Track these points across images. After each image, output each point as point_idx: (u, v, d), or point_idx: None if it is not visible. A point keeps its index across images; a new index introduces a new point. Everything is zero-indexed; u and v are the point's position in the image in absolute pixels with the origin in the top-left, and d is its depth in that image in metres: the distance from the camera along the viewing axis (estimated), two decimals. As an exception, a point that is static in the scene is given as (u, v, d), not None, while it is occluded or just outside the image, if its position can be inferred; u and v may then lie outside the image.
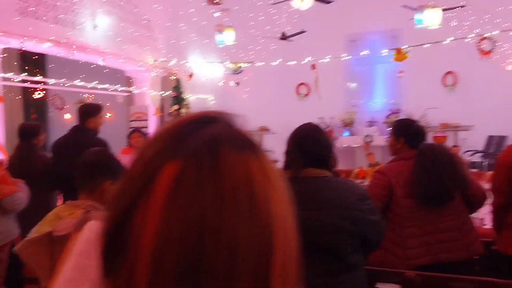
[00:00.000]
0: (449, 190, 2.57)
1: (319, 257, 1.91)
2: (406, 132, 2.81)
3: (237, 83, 9.69)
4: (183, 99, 9.47)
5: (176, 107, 9.35)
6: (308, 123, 2.17)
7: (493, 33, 6.70)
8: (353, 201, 1.94)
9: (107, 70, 8.26)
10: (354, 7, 10.04)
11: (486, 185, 3.10)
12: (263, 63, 9.29)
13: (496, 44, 6.84)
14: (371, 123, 10.61)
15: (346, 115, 10.72)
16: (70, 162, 3.46)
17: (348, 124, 10.64)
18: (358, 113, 10.77)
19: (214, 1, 6.82)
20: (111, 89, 8.44)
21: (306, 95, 11.19)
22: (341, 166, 10.64)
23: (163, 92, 9.51)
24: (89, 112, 4.00)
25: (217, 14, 8.20)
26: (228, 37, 8.24)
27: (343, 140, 10.35)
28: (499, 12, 6.34)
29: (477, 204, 2.74)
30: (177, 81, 9.43)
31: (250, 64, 9.30)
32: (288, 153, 2.07)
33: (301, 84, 11.19)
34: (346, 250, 1.92)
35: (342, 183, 2.07)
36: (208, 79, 9.87)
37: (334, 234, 1.91)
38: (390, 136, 2.89)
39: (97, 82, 8.05)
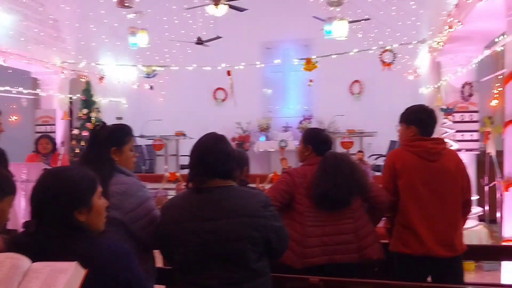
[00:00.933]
0: (344, 196, 2.73)
1: (224, 266, 1.95)
2: (314, 140, 2.97)
3: (151, 87, 9.49)
4: (93, 103, 9.09)
5: (85, 111, 8.95)
6: (210, 134, 2.16)
7: (394, 45, 7.22)
8: (257, 208, 1.99)
9: (11, 71, 7.70)
10: (269, 16, 10.30)
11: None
12: (177, 67, 9.19)
13: (397, 56, 7.36)
14: (286, 128, 10.93)
15: (262, 120, 10.95)
16: None
17: (264, 129, 10.87)
18: (274, 118, 11.04)
19: (125, 4, 6.63)
20: (15, 91, 7.87)
21: (223, 100, 11.26)
22: (258, 170, 10.87)
23: (71, 95, 9.06)
24: None
25: (130, 16, 7.99)
26: (141, 39, 8.07)
27: (260, 145, 10.56)
28: (399, 26, 6.84)
29: (381, 205, 2.89)
30: (87, 83, 9.04)
31: (164, 68, 9.15)
32: (192, 165, 2.08)
33: (218, 89, 11.23)
34: (251, 257, 1.96)
35: (245, 191, 2.11)
36: (121, 82, 9.56)
37: (238, 242, 1.94)
38: (300, 144, 3.05)
39: (-3, 84, 7.48)
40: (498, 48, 4.49)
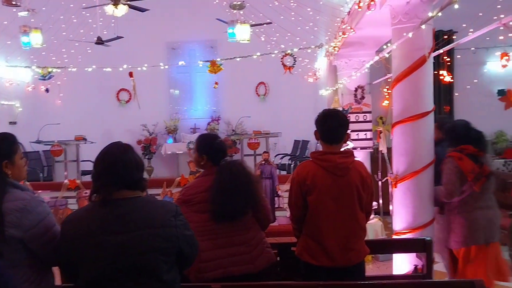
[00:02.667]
0: (242, 208, 2.76)
1: (135, 280, 1.90)
2: (208, 150, 2.92)
3: (47, 90, 8.92)
4: (-18, 107, 8.35)
5: (-28, 116, 8.20)
6: (117, 143, 2.09)
7: (294, 49, 7.51)
8: (167, 218, 1.95)
9: None
10: (174, 16, 10.18)
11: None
12: (75, 69, 8.73)
13: (297, 59, 7.66)
14: (194, 130, 10.88)
15: (169, 122, 10.78)
16: None
17: (171, 131, 10.72)
18: (182, 120, 10.94)
19: (12, 2, 6.15)
20: None
21: (127, 101, 10.92)
22: (165, 174, 10.72)
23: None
24: None
25: (22, 14, 7.43)
26: (35, 39, 7.54)
27: (167, 147, 10.39)
28: (298, 31, 7.12)
29: (263, 223, 2.95)
30: (-26, 86, 8.28)
31: (61, 69, 8.65)
32: (96, 176, 2.00)
33: (122, 90, 10.87)
34: (163, 268, 1.92)
35: (154, 202, 2.06)
36: (13, 84, 8.87)
37: (149, 254, 1.89)
38: (194, 152, 2.99)
39: None
40: (385, 54, 4.86)
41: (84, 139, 8.29)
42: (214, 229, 2.75)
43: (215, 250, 2.72)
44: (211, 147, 2.92)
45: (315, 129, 2.95)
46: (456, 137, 3.88)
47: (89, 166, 9.29)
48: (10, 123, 9.18)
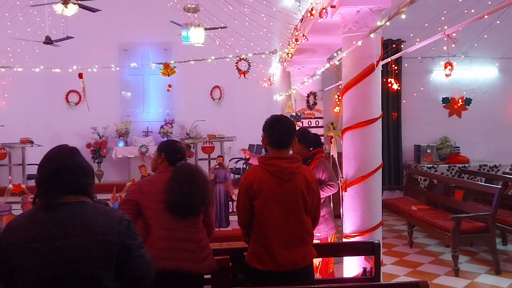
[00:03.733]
0: (197, 205, 2.86)
1: (76, 287, 1.82)
2: (167, 149, 3.07)
3: (-9, 91, 8.53)
4: None
5: None
6: (63, 146, 2.02)
7: (248, 54, 7.55)
8: (109, 224, 1.89)
9: None
10: (127, 17, 10.00)
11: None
12: (21, 69, 8.39)
13: (252, 64, 7.71)
14: (146, 133, 10.68)
15: (120, 125, 10.53)
16: None
17: (122, 134, 10.46)
18: (133, 123, 10.71)
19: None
20: None
21: (77, 103, 10.56)
22: (116, 178, 10.47)
23: None
24: None
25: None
26: (-22, 37, 7.19)
27: (118, 151, 10.12)
28: (253, 36, 7.17)
29: (209, 229, 3.05)
30: None
31: (6, 69, 8.28)
32: (41, 181, 1.92)
33: (71, 91, 10.52)
34: (104, 276, 1.85)
35: (99, 207, 1.98)
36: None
37: (88, 261, 1.82)
38: (155, 153, 3.12)
39: None
40: (336, 62, 4.98)
41: (31, 142, 7.97)
42: (170, 220, 2.81)
43: (170, 241, 2.79)
44: (171, 147, 3.09)
45: (263, 134, 2.98)
46: (313, 141, 4.45)
47: (36, 170, 8.97)
48: None
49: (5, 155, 7.87)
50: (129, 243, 1.93)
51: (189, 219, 2.86)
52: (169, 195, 2.80)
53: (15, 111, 9.50)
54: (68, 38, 7.79)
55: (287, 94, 7.62)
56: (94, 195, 2.11)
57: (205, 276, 3.06)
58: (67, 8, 6.32)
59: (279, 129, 2.89)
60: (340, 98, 5.13)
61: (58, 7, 6.28)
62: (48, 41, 7.83)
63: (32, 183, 8.10)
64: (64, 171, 1.90)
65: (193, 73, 9.10)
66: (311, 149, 4.44)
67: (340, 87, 5.52)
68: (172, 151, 3.06)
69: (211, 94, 10.81)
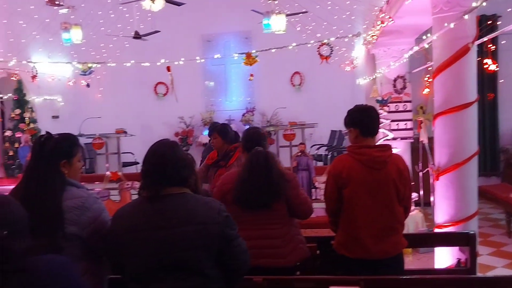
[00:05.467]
0: (265, 199, 2.80)
1: (178, 275, 1.92)
2: (242, 139, 3.09)
3: (88, 85, 9.15)
4: (26, 102, 8.66)
5: (18, 111, 8.52)
6: (164, 140, 2.13)
7: (331, 39, 7.39)
8: (210, 215, 1.96)
9: None
10: (208, 8, 10.22)
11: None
12: (115, 64, 8.91)
13: (334, 48, 7.54)
14: (229, 121, 10.92)
15: (205, 114, 10.88)
16: None
17: (207, 123, 10.79)
18: (217, 111, 11.01)
19: (56, 2, 6.32)
20: None
21: (165, 94, 11.07)
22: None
23: (2, 95, 8.58)
24: None
25: (62, 11, 7.63)
26: (75, 35, 7.73)
27: (203, 139, 10.47)
28: (335, 20, 7.00)
29: (302, 214, 2.99)
30: (19, 82, 8.59)
31: (100, 64, 8.85)
32: (145, 173, 2.03)
33: (159, 83, 11.03)
34: (205, 264, 1.94)
35: (199, 199, 2.06)
36: (55, 79, 9.16)
37: (191, 250, 1.91)
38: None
39: None
40: (425, 44, 4.72)
41: (125, 132, 8.47)
42: (248, 220, 2.79)
43: (248, 241, 2.76)
44: (245, 137, 3.09)
45: (346, 127, 2.96)
46: (233, 136, 4.39)
47: (130, 158, 9.56)
48: (53, 117, 9.50)
49: (103, 145, 8.43)
50: (228, 233, 2.01)
51: (266, 215, 2.82)
52: (235, 191, 2.80)
53: (110, 104, 10.14)
54: (155, 32, 8.14)
55: (372, 77, 7.38)
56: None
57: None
58: (154, 3, 6.59)
59: (370, 117, 2.90)
60: (430, 80, 4.87)
61: (146, 3, 6.57)
62: (137, 35, 8.23)
63: (126, 170, 8.66)
64: (167, 164, 2.00)
65: (273, 60, 9.10)
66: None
67: (429, 68, 5.25)
68: (245, 140, 3.05)
69: (291, 81, 10.77)
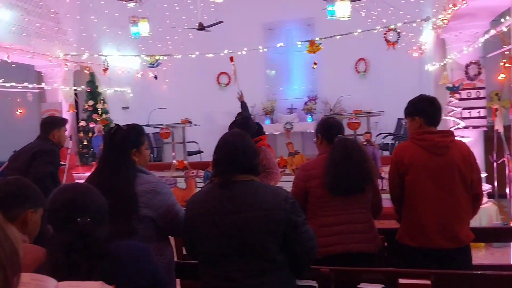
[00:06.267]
0: (357, 183, 2.76)
1: (246, 258, 2.00)
2: (321, 128, 3.04)
3: (155, 77, 9.46)
4: (98, 94, 9.11)
5: (91, 102, 8.99)
6: (235, 131, 2.24)
7: (398, 24, 7.12)
8: (277, 202, 2.02)
9: (15, 65, 7.73)
10: (270, -4, 10.19)
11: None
12: (180, 56, 9.14)
13: (401, 34, 7.26)
14: (291, 110, 10.89)
15: (266, 103, 10.90)
16: (15, 168, 3.26)
17: (268, 112, 10.84)
18: (278, 100, 10.99)
19: (126, -4, 6.58)
20: (20, 86, 7.91)
21: (227, 84, 11.21)
22: (264, 154, 10.91)
23: (76, 87, 9.08)
24: (55, 123, 3.78)
25: (130, 5, 7.91)
26: (143, 28, 8.00)
27: (265, 128, 10.47)
28: (402, 5, 6.74)
29: (376, 208, 2.93)
30: (91, 75, 9.04)
31: (168, 57, 9.12)
32: (217, 162, 2.14)
33: (222, 73, 11.19)
34: (272, 249, 2.00)
35: (267, 186, 2.19)
36: (125, 71, 9.55)
37: (259, 235, 1.99)
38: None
39: (2, 80, 7.51)
40: (504, 28, 4.42)
41: (190, 122, 8.70)
42: (336, 205, 2.79)
43: (337, 226, 2.76)
44: (323, 125, 3.04)
45: (409, 116, 2.92)
46: (255, 130, 4.32)
47: (194, 147, 9.81)
48: (123, 108, 9.95)
49: (169, 134, 8.72)
50: (295, 220, 2.05)
51: (355, 200, 2.79)
52: (327, 178, 2.77)
53: (175, 94, 10.44)
54: (218, 23, 8.25)
55: (441, 63, 7.04)
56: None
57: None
58: (217, -6, 6.68)
59: (435, 107, 2.88)
60: (508, 65, 4.57)
61: (210, -5, 6.67)
62: (201, 27, 8.39)
63: (191, 159, 8.90)
64: (238, 153, 2.09)
65: (336, 47, 8.92)
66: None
67: (507, 53, 4.93)
68: (325, 129, 3.01)
69: (355, 67, 10.53)
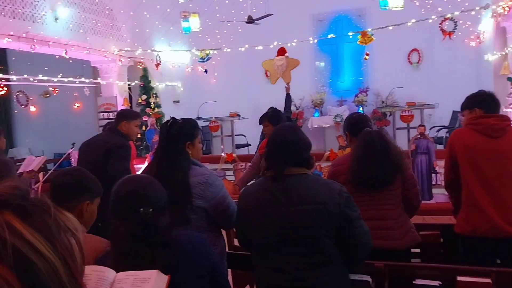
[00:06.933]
0: (381, 175, 2.69)
1: (300, 251, 1.99)
2: (347, 125, 3.06)
3: (206, 71, 9.59)
4: (151, 88, 9.35)
5: (144, 96, 9.24)
6: (287, 124, 2.26)
7: (455, 13, 6.82)
8: (331, 195, 2.00)
9: (72, 61, 8.08)
10: (320, -13, 10.05)
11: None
12: (230, 50, 9.20)
13: (458, 23, 6.96)
14: (340, 102, 10.71)
15: (315, 96, 10.77)
16: (89, 162, 3.40)
17: (317, 105, 10.70)
18: (327, 92, 10.83)
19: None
20: (78, 81, 8.27)
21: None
22: (313, 147, 10.80)
23: (130, 82, 9.37)
24: (124, 115, 3.86)
25: (181, 0, 8.06)
26: (193, 23, 8.14)
27: (314, 121, 10.37)
28: (459, -8, 6.46)
29: (411, 204, 2.86)
30: (144, 70, 9.30)
31: (217, 51, 9.21)
32: (270, 155, 2.14)
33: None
34: (325, 243, 1.98)
35: (319, 179, 2.18)
36: (175, 66, 9.75)
37: (312, 228, 1.97)
38: (340, 138, 3.12)
39: (61, 75, 7.87)
40: None
41: (238, 115, 8.77)
42: (363, 200, 2.71)
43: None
44: (348, 122, 3.05)
45: (468, 108, 2.87)
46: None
47: (242, 140, 9.88)
48: (174, 102, 10.17)
49: (218, 128, 8.83)
50: (349, 214, 2.02)
51: (383, 195, 2.74)
52: (351, 170, 2.75)
53: (224, 88, 10.54)
54: (268, 15, 8.23)
55: (502, 53, 6.69)
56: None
57: (413, 250, 2.97)
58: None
59: (495, 101, 2.85)
60: None
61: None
62: (250, 20, 8.41)
63: (239, 152, 8.97)
64: (290, 145, 2.07)
65: (388, 37, 8.68)
66: None
67: None
68: (350, 125, 3.00)
69: (408, 58, 10.20)
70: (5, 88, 7.97)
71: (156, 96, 9.36)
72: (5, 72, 8.92)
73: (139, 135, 9.18)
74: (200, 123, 9.36)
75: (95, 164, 3.33)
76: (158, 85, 9.60)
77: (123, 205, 1.56)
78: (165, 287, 1.33)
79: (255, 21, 8.38)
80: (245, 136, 9.80)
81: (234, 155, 7.86)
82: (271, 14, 8.31)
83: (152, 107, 9.22)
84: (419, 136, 6.23)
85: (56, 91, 8.31)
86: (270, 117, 4.14)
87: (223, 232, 2.73)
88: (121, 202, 1.57)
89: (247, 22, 8.42)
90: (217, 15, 9.09)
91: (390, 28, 7.38)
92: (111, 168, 3.43)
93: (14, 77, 7.86)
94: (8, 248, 0.59)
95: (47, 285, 0.60)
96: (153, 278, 1.33)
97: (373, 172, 2.68)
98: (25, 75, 7.63)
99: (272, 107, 4.32)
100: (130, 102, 9.60)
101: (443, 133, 8.74)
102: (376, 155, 2.69)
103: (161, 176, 2.06)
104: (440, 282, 2.44)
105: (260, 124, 4.27)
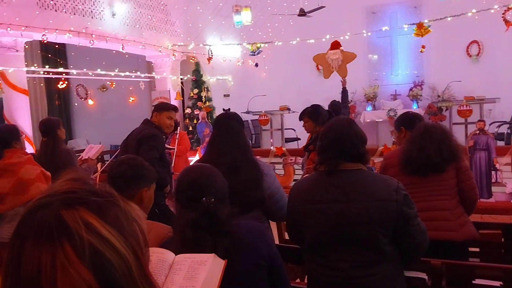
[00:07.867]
0: (431, 159, 2.60)
1: (354, 249, 1.94)
2: (402, 121, 3.02)
3: (256, 64, 9.61)
4: (203, 82, 9.50)
5: (196, 90, 9.40)
6: (342, 117, 2.18)
7: (519, 2, 6.46)
8: (388, 192, 1.94)
9: (128, 55, 8.34)
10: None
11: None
12: (281, 43, 9.17)
13: (522, 12, 6.58)
14: (394, 96, 10.42)
15: (368, 89, 10.53)
16: (127, 152, 3.53)
17: (370, 98, 10.46)
18: (381, 86, 10.57)
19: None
20: (134, 75, 8.54)
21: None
22: (364, 142, 10.59)
23: (182, 76, 9.55)
24: (156, 107, 3.96)
25: (233, -6, 8.11)
26: (245, 17, 8.16)
27: (366, 115, 10.17)
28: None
29: (468, 199, 2.72)
30: (196, 64, 9.45)
31: (268, 45, 9.20)
32: (323, 149, 2.08)
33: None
34: (381, 240, 1.92)
35: (376, 175, 2.08)
36: (226, 60, 9.84)
37: (369, 226, 1.91)
38: (394, 133, 3.05)
39: (118, 69, 8.14)
40: None
41: (288, 109, 8.73)
42: (413, 192, 2.58)
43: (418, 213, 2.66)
44: (404, 117, 3.04)
45: None
46: (326, 118, 3.95)
47: (292, 134, 9.83)
48: (224, 95, 10.27)
49: (268, 121, 8.84)
50: (407, 212, 1.94)
51: (435, 186, 2.64)
52: (403, 159, 2.68)
53: (274, 81, 10.52)
54: (320, 8, 8.12)
55: None
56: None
57: (472, 249, 2.86)
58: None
59: None
60: None
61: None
62: (302, 13, 8.32)
63: (289, 146, 8.94)
64: (344, 139, 2.00)
65: (446, 29, 8.33)
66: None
67: None
68: (406, 120, 2.98)
69: (467, 51, 9.76)
70: (66, 82, 8.35)
71: (208, 90, 9.49)
72: (65, 66, 9.35)
73: (190, 128, 9.37)
74: (250, 117, 9.54)
75: (131, 154, 3.44)
76: (209, 79, 9.73)
77: (186, 194, 1.60)
78: (221, 271, 1.35)
79: (307, 14, 8.29)
80: (294, 130, 9.74)
81: (283, 149, 7.85)
82: (324, 7, 8.19)
83: (204, 101, 9.36)
84: (478, 132, 5.97)
85: (113, 85, 8.62)
86: (310, 113, 4.12)
87: (273, 224, 2.74)
88: (184, 191, 1.61)
89: (299, 15, 8.34)
90: (269, 8, 9.08)
91: (449, 19, 7.08)
92: (140, 157, 3.52)
93: (74, 71, 8.21)
94: (86, 246, 0.58)
95: (120, 283, 0.60)
96: (209, 261, 1.36)
97: (427, 153, 2.61)
98: (84, 70, 7.96)
99: (334, 100, 4.33)
100: (183, 96, 9.79)
101: (504, 129, 8.32)
102: (435, 138, 2.63)
103: (235, 166, 2.11)
104: (501, 283, 2.33)
105: (300, 120, 4.25)
